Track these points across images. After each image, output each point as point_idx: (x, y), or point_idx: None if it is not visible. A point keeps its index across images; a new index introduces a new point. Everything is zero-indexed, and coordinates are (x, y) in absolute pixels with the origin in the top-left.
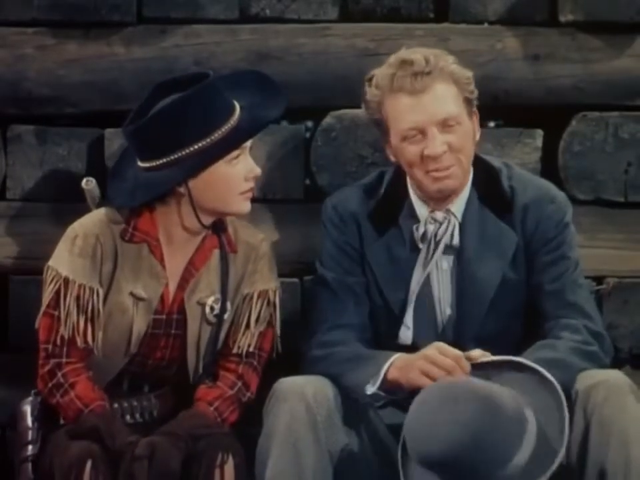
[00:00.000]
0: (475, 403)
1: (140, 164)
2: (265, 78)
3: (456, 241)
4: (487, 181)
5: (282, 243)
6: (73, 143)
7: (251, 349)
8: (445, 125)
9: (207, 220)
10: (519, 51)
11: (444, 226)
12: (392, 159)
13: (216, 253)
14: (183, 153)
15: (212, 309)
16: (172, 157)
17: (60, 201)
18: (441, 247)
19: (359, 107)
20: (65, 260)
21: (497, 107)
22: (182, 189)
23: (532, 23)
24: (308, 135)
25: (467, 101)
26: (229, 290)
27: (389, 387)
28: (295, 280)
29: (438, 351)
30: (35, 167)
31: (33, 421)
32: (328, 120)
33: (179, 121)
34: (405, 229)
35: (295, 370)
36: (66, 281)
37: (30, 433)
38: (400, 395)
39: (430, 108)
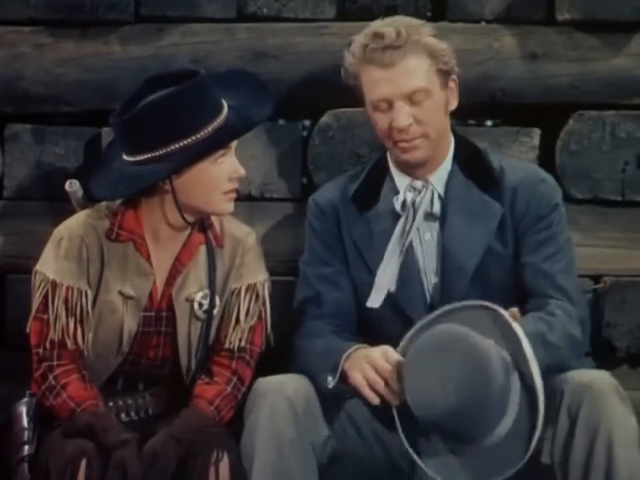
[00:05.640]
0: (467, 364)
1: (125, 157)
2: (255, 78)
3: (436, 208)
4: (470, 158)
5: (279, 241)
6: (69, 142)
7: (242, 344)
8: (412, 98)
9: (191, 217)
10: (516, 50)
11: (422, 193)
12: (372, 123)
13: (202, 248)
14: (169, 148)
15: (200, 305)
16: (158, 153)
17: (57, 199)
18: (420, 213)
19: (356, 106)
20: (52, 263)
21: (494, 106)
22: (166, 186)
23: (529, 22)
24: (305, 133)
25: (441, 72)
26: (217, 285)
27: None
28: (292, 278)
29: (383, 355)
30: (32, 165)
31: (28, 421)
32: (325, 119)
33: (166, 117)
34: (387, 202)
35: (292, 368)
36: (53, 284)
37: (26, 433)
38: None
39: (397, 81)
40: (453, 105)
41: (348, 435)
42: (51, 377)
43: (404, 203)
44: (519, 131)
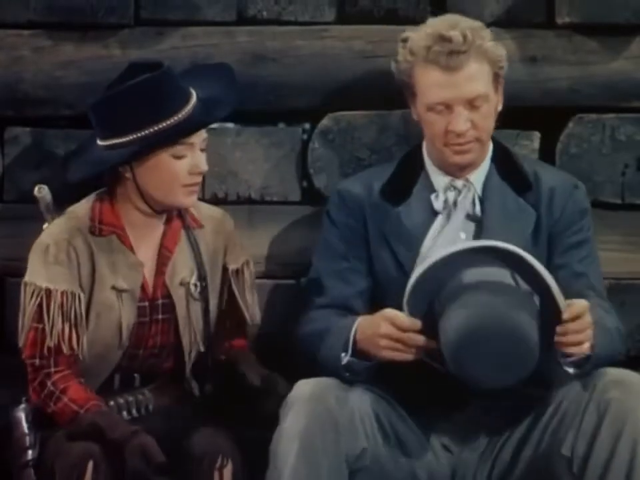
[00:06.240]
0: (510, 348)
1: (98, 142)
2: (230, 73)
3: (477, 209)
4: (505, 160)
5: (279, 245)
6: (69, 145)
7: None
8: (473, 103)
9: (158, 206)
10: (515, 53)
11: (463, 193)
12: (415, 118)
13: (184, 232)
14: (133, 136)
15: (196, 286)
16: (124, 139)
17: (56, 202)
18: (460, 213)
19: (356, 109)
20: (42, 272)
21: None
22: (127, 173)
23: (529, 25)
24: (305, 136)
25: (496, 76)
26: (205, 264)
27: (361, 354)
28: (292, 282)
29: (390, 322)
30: (32, 168)
31: (28, 427)
32: (325, 122)
33: (132, 104)
34: (421, 198)
35: (293, 368)
36: (47, 292)
37: (27, 438)
38: (376, 360)
39: (460, 86)
40: (500, 105)
41: (378, 444)
42: (49, 384)
43: (446, 203)
44: (519, 134)
